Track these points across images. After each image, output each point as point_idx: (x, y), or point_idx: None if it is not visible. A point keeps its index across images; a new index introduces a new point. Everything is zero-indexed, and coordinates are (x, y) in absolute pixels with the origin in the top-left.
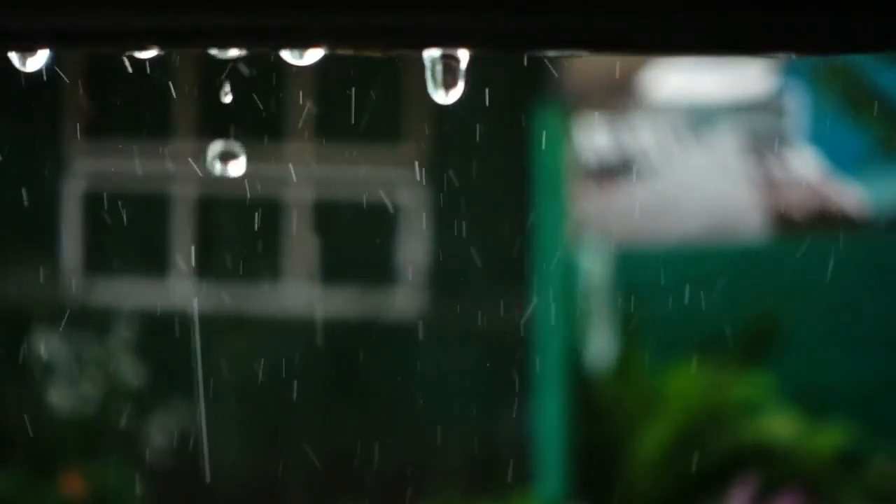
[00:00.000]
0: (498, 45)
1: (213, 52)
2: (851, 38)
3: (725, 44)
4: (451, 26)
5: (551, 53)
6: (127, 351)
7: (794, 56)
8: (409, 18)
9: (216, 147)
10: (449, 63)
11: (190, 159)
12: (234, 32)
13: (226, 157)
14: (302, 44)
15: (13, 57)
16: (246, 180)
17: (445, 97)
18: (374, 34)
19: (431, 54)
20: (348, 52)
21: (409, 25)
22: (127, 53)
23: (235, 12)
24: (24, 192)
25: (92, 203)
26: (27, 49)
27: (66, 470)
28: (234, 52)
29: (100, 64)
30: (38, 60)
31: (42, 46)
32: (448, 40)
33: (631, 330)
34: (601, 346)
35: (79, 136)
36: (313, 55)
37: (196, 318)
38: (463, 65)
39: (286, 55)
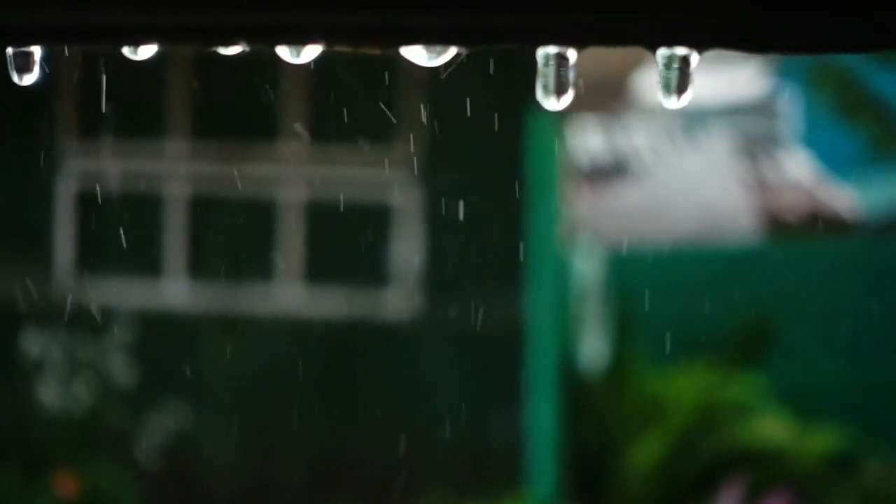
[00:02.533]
0: (497, 42)
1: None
2: (849, 37)
3: (723, 43)
4: (449, 24)
5: (551, 51)
6: (120, 351)
7: (790, 55)
8: (408, 16)
9: None
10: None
11: (183, 159)
12: (232, 29)
13: None
14: (300, 41)
15: (11, 70)
16: (239, 180)
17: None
18: (372, 32)
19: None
20: (346, 49)
21: (407, 23)
22: (124, 51)
23: (233, 9)
24: (17, 191)
25: (85, 202)
26: (25, 45)
27: (58, 470)
28: (232, 49)
29: (94, 63)
30: (32, 76)
31: (39, 43)
32: (447, 38)
33: (624, 332)
34: (594, 347)
35: (72, 136)
36: (310, 53)
37: (189, 318)
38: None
39: (283, 53)
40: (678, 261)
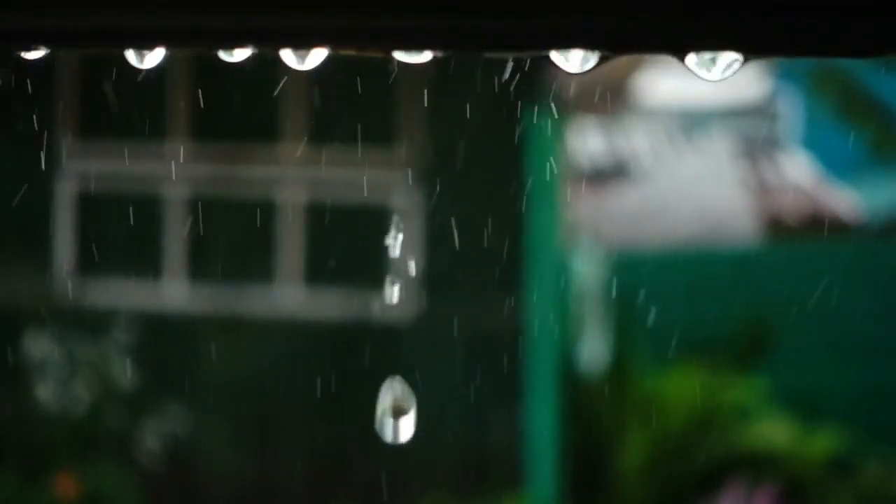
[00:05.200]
0: (501, 47)
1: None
2: (850, 41)
3: (724, 46)
4: (452, 28)
5: (553, 56)
6: (120, 352)
7: (792, 59)
8: (412, 20)
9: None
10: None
11: (183, 160)
12: (235, 33)
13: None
14: (304, 45)
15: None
16: (239, 182)
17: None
18: (377, 35)
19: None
20: (350, 53)
21: (411, 27)
22: (130, 60)
23: (237, 13)
24: (16, 192)
25: (84, 204)
26: (29, 49)
27: (59, 472)
28: (237, 53)
29: (93, 64)
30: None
31: (44, 46)
32: (450, 42)
33: (623, 333)
34: (594, 349)
35: (72, 137)
36: (315, 59)
37: (189, 320)
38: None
39: (288, 59)
40: (678, 262)
